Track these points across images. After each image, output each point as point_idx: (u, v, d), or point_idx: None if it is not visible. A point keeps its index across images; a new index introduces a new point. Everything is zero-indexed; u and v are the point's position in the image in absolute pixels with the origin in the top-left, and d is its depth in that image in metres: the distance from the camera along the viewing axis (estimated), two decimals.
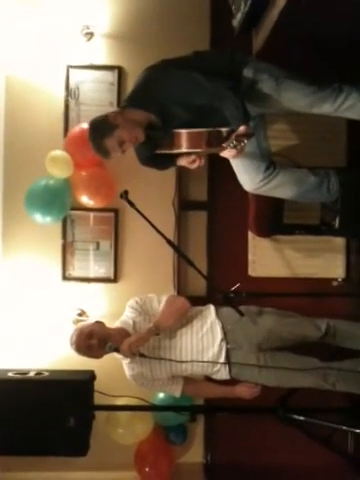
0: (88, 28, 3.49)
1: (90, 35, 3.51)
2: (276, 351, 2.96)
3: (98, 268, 3.63)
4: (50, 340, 3.49)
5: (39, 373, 2.99)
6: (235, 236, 3.56)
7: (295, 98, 2.70)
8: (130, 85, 3.27)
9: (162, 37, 3.56)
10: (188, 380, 3.04)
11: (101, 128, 2.64)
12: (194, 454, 3.65)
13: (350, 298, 3.46)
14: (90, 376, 2.97)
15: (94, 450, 2.95)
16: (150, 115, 2.65)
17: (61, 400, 2.81)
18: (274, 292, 3.14)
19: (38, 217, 3.38)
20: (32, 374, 2.98)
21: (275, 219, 3.34)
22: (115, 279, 3.62)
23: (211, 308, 3.02)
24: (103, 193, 3.46)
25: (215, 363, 2.88)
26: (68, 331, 2.97)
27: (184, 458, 3.64)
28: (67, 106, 3.60)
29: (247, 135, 2.45)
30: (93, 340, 2.82)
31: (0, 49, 3.54)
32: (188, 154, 2.79)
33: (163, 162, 2.95)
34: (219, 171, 3.47)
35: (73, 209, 3.56)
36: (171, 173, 3.50)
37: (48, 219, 3.40)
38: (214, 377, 3.01)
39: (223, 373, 2.93)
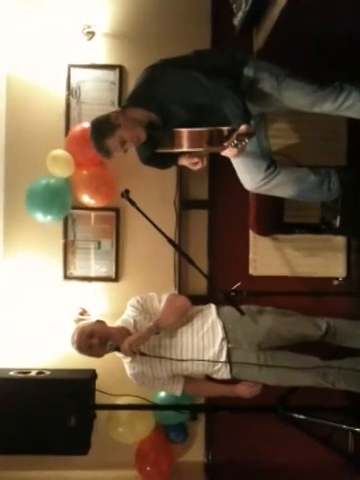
0: (89, 27, 3.49)
1: (91, 34, 3.52)
2: (276, 350, 2.96)
3: (99, 267, 3.63)
4: (51, 339, 3.50)
5: (40, 372, 2.99)
6: (236, 235, 3.57)
7: (296, 97, 2.70)
8: (131, 84, 3.27)
9: (163, 36, 3.56)
10: (189, 379, 3.05)
11: (103, 128, 2.64)
12: (195, 453, 3.65)
13: (350, 297, 3.46)
14: (91, 375, 2.97)
15: (95, 449, 2.94)
16: (151, 114, 2.65)
17: (62, 399, 2.81)
18: (274, 291, 3.14)
19: (39, 216, 3.39)
20: (33, 373, 2.98)
21: (276, 218, 3.35)
22: (116, 278, 3.63)
23: (212, 307, 3.02)
24: (104, 192, 3.47)
25: (216, 362, 2.89)
26: (69, 330, 2.97)
27: (185, 457, 3.65)
28: (68, 105, 3.60)
29: (248, 134, 2.45)
30: (94, 339, 2.83)
31: (1, 48, 3.55)
32: (189, 154, 2.80)
33: (164, 161, 2.96)
34: (220, 170, 3.48)
35: (74, 208, 3.56)
36: (172, 172, 3.50)
37: (49, 218, 3.40)
38: (215, 377, 3.01)
39: (224, 373, 2.94)
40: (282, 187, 2.96)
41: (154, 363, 2.88)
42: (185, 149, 2.70)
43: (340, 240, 3.51)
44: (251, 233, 3.51)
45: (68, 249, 3.62)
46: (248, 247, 3.54)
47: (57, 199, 3.40)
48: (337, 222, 3.10)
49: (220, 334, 2.91)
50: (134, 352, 2.75)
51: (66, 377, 2.95)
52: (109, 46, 3.61)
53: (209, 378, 3.12)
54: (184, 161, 2.87)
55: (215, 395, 3.16)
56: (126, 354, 2.80)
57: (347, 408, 3.19)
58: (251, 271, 3.53)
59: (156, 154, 2.82)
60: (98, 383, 3.01)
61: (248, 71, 2.67)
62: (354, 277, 3.52)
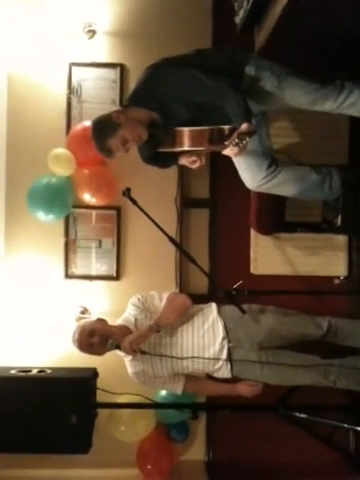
0: (90, 26, 3.49)
1: (92, 33, 3.51)
2: (277, 349, 2.96)
3: (100, 266, 3.63)
4: (52, 338, 3.50)
5: (41, 371, 2.99)
6: (237, 234, 3.56)
7: (297, 95, 2.70)
8: (132, 83, 3.26)
9: (164, 34, 3.56)
10: (189, 378, 3.05)
11: (104, 127, 2.63)
12: (196, 452, 3.65)
13: (351, 296, 3.46)
14: (92, 374, 2.97)
15: (96, 448, 2.95)
16: (152, 113, 2.65)
17: (63, 398, 2.82)
18: (276, 290, 3.14)
19: (40, 215, 3.39)
20: (35, 372, 2.98)
21: (277, 217, 3.35)
22: (117, 277, 3.63)
23: (213, 306, 3.02)
24: (105, 191, 3.47)
25: (216, 360, 2.89)
26: (70, 329, 2.98)
27: (186, 456, 3.65)
28: (69, 104, 3.60)
29: (249, 133, 2.45)
30: (95, 338, 2.83)
31: (2, 47, 3.55)
32: (190, 152, 2.79)
33: (165, 160, 2.95)
34: (221, 169, 3.48)
35: (75, 207, 3.56)
36: (173, 171, 3.50)
37: (50, 217, 3.41)
38: (216, 375, 3.01)
39: (225, 371, 2.94)
40: (283, 186, 2.95)
41: (155, 361, 2.88)
42: (186, 148, 2.69)
43: (341, 239, 3.51)
44: (252, 232, 3.51)
45: (69, 248, 3.62)
46: (249, 246, 3.54)
47: (58, 198, 3.40)
48: (338, 221, 3.09)
49: (221, 333, 2.91)
50: (135, 350, 2.75)
51: (67, 376, 2.96)
52: (110, 44, 3.60)
53: (210, 377, 3.12)
54: (183, 160, 2.87)
55: (216, 394, 3.16)
56: (127, 352, 2.80)
57: (348, 407, 3.19)
58: (252, 270, 3.53)
59: (157, 153, 2.82)
60: (99, 381, 3.02)
61: (249, 70, 2.67)
62: (355, 276, 3.52)
